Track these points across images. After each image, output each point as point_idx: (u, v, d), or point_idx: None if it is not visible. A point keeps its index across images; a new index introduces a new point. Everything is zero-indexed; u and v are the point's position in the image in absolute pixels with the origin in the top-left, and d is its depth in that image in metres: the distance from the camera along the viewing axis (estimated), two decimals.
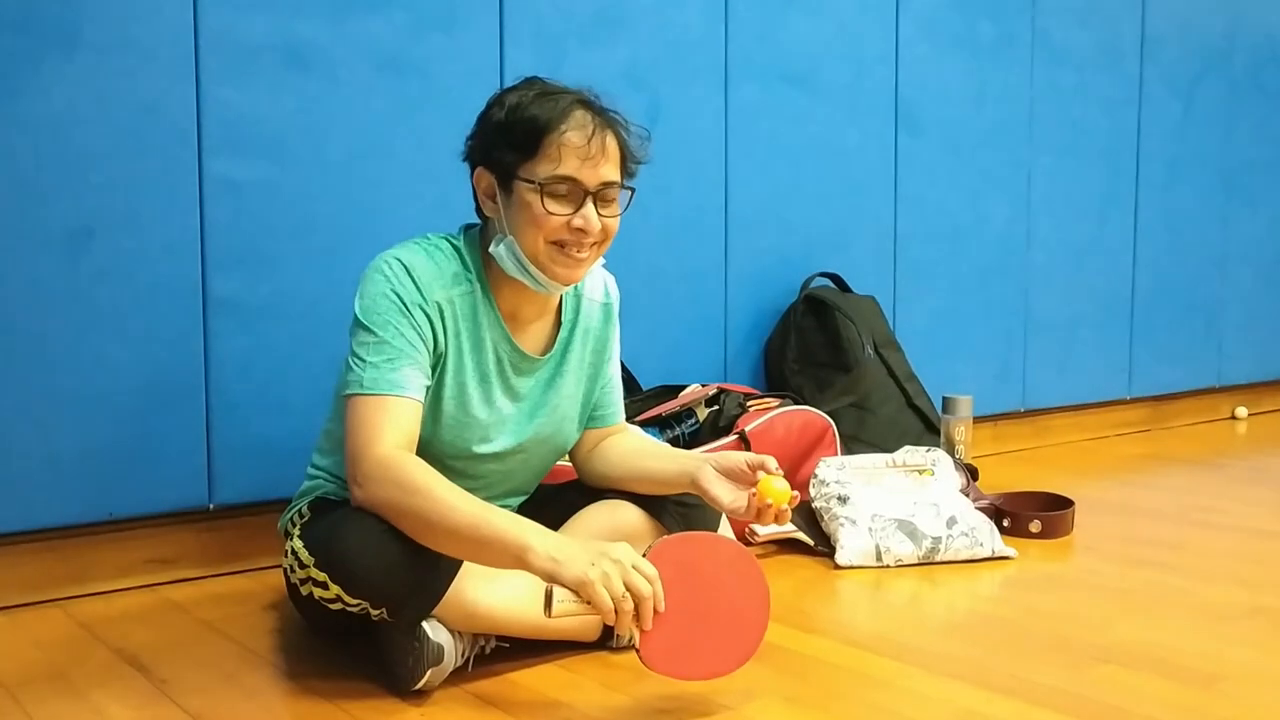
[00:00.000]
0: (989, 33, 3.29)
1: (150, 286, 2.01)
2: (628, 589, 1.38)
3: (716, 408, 2.47)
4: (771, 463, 1.65)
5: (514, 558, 1.42)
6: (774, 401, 2.49)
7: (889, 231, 3.13)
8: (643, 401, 2.51)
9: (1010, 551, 2.24)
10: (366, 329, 1.58)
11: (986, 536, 2.23)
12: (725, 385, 2.59)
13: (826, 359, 2.83)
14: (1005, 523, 2.40)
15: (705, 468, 1.69)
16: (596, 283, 1.85)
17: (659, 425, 2.44)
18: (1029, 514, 2.40)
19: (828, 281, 2.97)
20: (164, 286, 2.02)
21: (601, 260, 1.75)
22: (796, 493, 1.65)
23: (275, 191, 2.12)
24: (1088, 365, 3.66)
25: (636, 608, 1.39)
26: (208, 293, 2.06)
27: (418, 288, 1.61)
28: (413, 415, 1.57)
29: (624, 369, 2.56)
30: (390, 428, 1.53)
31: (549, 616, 1.40)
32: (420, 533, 1.49)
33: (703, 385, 2.59)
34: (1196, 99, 3.91)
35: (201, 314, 2.06)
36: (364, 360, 1.57)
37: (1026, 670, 1.63)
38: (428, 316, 1.61)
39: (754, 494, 1.65)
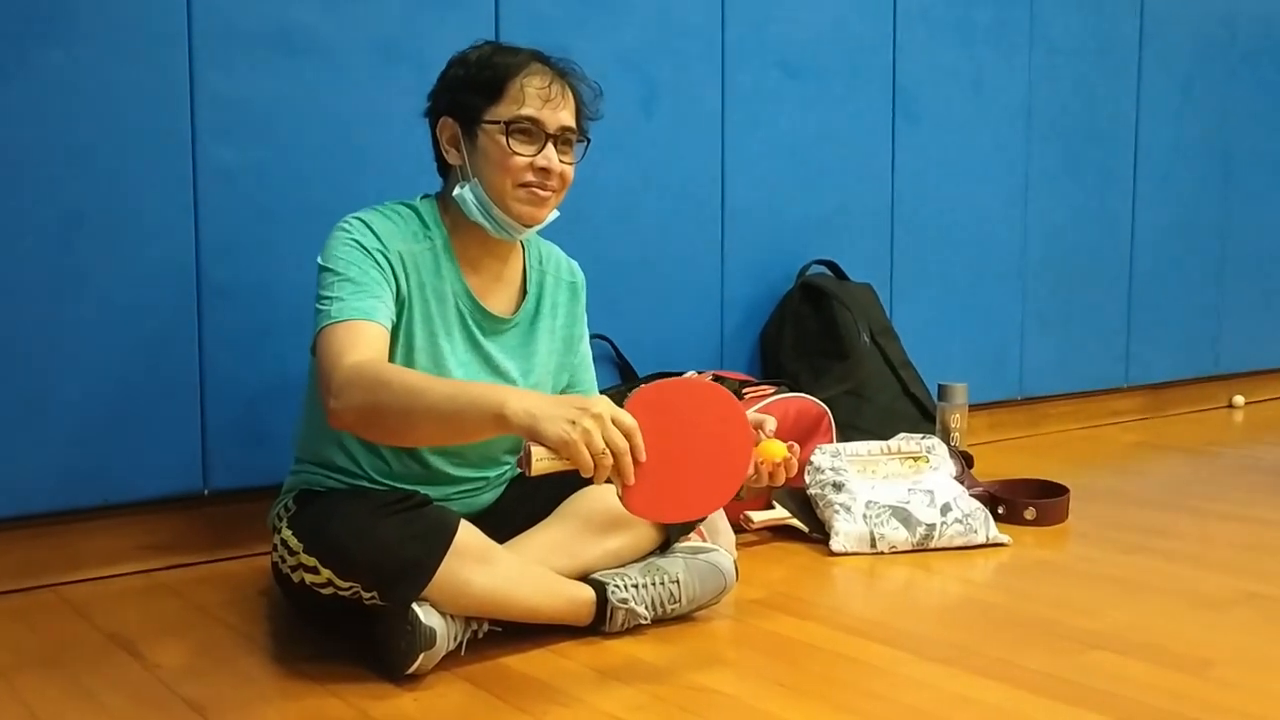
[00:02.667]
0: (986, 19, 3.28)
1: (144, 271, 2.01)
2: (607, 445, 1.38)
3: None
4: (770, 424, 1.65)
5: (493, 419, 1.42)
6: (770, 389, 2.49)
7: (886, 219, 3.13)
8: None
9: (1004, 538, 2.24)
10: (330, 271, 1.63)
11: (981, 523, 2.23)
12: (721, 372, 2.59)
13: (822, 346, 2.83)
14: (1000, 510, 2.40)
15: None
16: (561, 263, 1.91)
17: None
18: (1024, 501, 2.40)
19: (824, 269, 2.97)
20: (158, 271, 2.02)
21: (567, 258, 1.81)
22: (794, 443, 1.64)
23: (269, 176, 2.12)
24: (1085, 353, 3.66)
25: (616, 461, 1.39)
26: (202, 278, 2.06)
27: (377, 237, 1.67)
28: (381, 337, 1.60)
29: (619, 355, 2.58)
30: (360, 345, 1.56)
31: (529, 475, 1.40)
32: (401, 425, 1.51)
33: (699, 372, 2.59)
34: (1194, 87, 3.90)
35: (196, 299, 2.06)
36: (330, 297, 1.61)
37: (1018, 656, 1.63)
38: (388, 261, 1.67)
39: (761, 461, 1.64)
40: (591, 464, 1.38)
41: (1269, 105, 4.17)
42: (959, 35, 3.22)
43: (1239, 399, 4.22)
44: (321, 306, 1.61)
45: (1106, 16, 3.60)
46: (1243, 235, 4.13)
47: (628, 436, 1.40)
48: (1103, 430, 3.68)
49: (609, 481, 1.43)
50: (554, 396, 1.47)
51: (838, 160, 3.00)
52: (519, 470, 1.90)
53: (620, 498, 1.44)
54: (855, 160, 3.04)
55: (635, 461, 1.41)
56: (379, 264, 1.65)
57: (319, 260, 1.66)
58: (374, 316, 1.60)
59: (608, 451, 1.38)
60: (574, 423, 1.37)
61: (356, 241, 1.65)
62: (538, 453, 1.39)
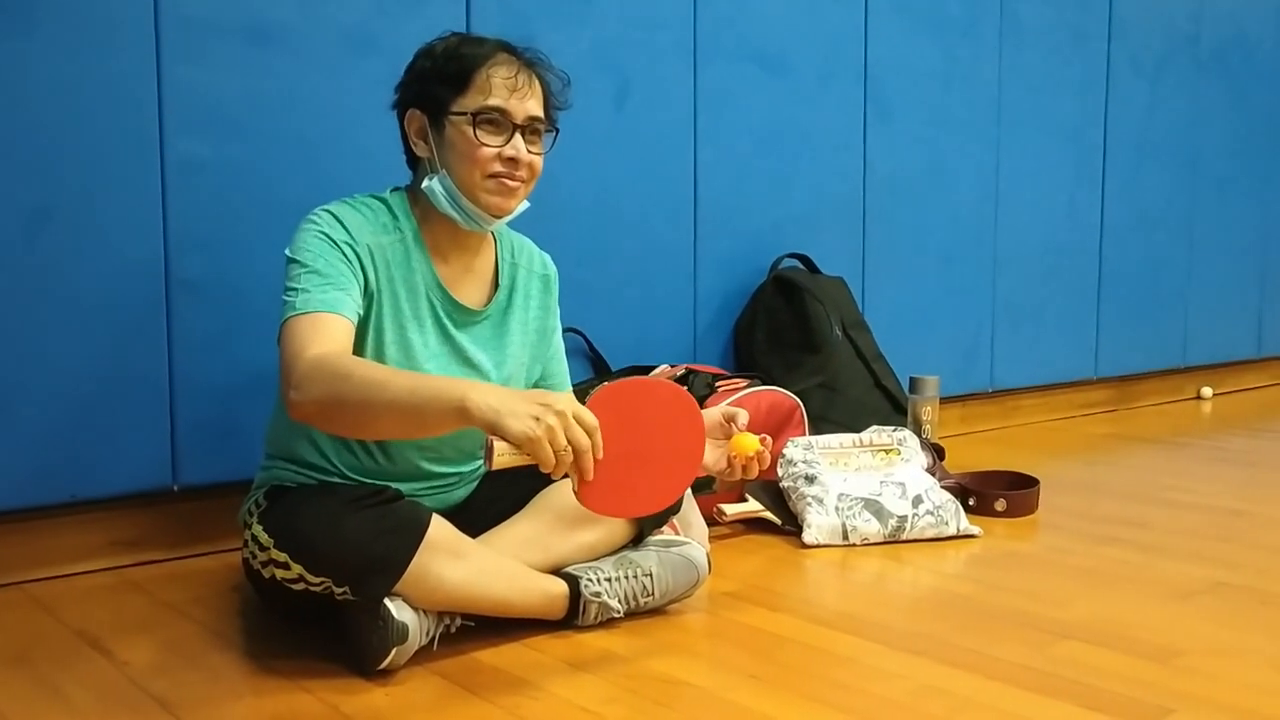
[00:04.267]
0: (957, 13, 3.29)
1: (111, 267, 1.99)
2: (569, 441, 1.38)
3: (685, 388, 2.47)
4: (742, 417, 1.65)
5: (454, 413, 1.41)
6: (742, 382, 2.50)
7: (858, 212, 3.13)
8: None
9: (975, 530, 2.26)
10: (297, 263, 1.62)
11: (952, 515, 2.24)
12: (694, 366, 2.59)
13: (795, 340, 2.83)
14: (971, 501, 2.41)
15: None
16: (534, 256, 1.91)
17: None
18: (994, 493, 2.42)
19: (796, 263, 2.98)
20: (125, 267, 2.00)
21: (539, 251, 1.85)
22: (767, 435, 1.65)
23: (239, 171, 2.10)
24: (1055, 346, 3.68)
25: (576, 458, 1.39)
26: (170, 273, 2.04)
27: (346, 230, 1.66)
28: (346, 330, 1.59)
29: (592, 349, 2.57)
30: (324, 337, 1.54)
31: (490, 469, 1.39)
32: (361, 418, 1.49)
33: (671, 366, 2.59)
34: (1163, 81, 3.93)
35: (164, 295, 2.04)
36: (296, 289, 1.59)
37: (989, 646, 1.64)
38: (356, 254, 1.65)
39: (734, 455, 1.64)
40: (553, 461, 1.38)
41: (1235, 100, 4.21)
42: (931, 30, 3.24)
43: (1207, 390, 4.26)
44: (287, 298, 1.60)
45: (1076, 11, 3.62)
46: (1210, 228, 4.17)
47: (589, 434, 1.40)
48: (1072, 422, 3.71)
49: (565, 477, 1.43)
50: (517, 391, 1.47)
51: (810, 154, 3.01)
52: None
53: (575, 493, 1.44)
54: (827, 154, 3.05)
55: (594, 458, 1.41)
56: (346, 257, 1.64)
57: (286, 252, 1.65)
58: (339, 309, 1.59)
59: (569, 448, 1.38)
60: (538, 419, 1.37)
61: (324, 234, 1.64)
62: (499, 447, 1.39)
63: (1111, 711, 1.41)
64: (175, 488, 2.09)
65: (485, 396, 1.40)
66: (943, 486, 2.35)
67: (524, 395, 1.42)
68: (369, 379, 1.48)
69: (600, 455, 1.41)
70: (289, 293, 1.60)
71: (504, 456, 1.39)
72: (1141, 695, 1.46)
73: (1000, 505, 2.40)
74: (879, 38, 3.12)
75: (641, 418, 1.48)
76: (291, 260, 1.63)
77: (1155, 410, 3.99)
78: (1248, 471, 2.96)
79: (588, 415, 1.41)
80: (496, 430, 1.38)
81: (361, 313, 1.65)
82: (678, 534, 1.88)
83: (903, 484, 2.27)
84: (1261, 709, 1.43)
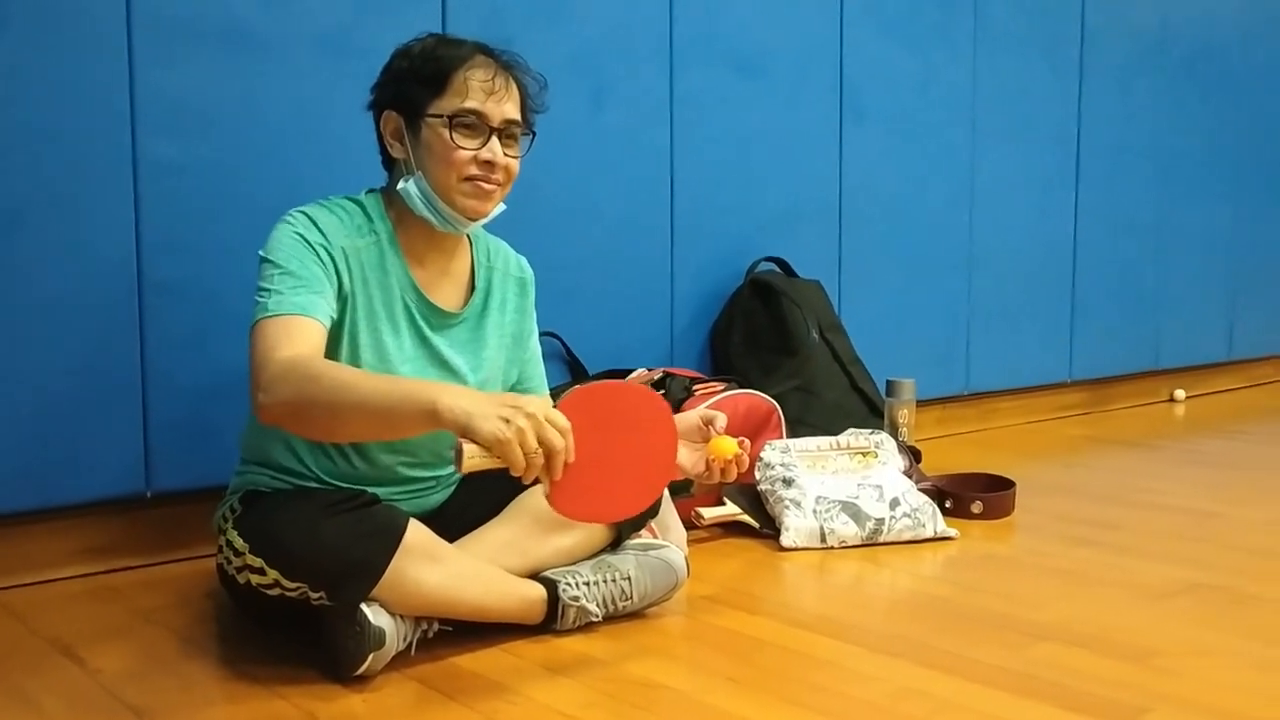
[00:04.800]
0: (932, 19, 3.31)
1: (84, 269, 1.97)
2: (540, 443, 1.37)
3: (662, 391, 2.47)
4: (720, 420, 1.66)
5: (424, 415, 1.40)
6: (719, 385, 2.50)
7: (834, 216, 3.14)
8: None
9: (952, 532, 2.26)
10: (271, 263, 1.61)
11: (929, 518, 2.25)
12: (671, 369, 2.59)
13: (772, 343, 2.84)
14: (947, 504, 2.42)
15: None
16: (510, 259, 1.90)
17: None
18: (971, 495, 2.42)
19: (773, 266, 2.98)
20: (99, 269, 1.98)
21: (516, 254, 1.86)
22: (745, 438, 1.66)
23: (212, 172, 2.08)
24: (1030, 349, 3.70)
25: (547, 460, 1.38)
26: (143, 276, 2.03)
27: (321, 232, 1.65)
28: (318, 333, 1.58)
29: (569, 353, 2.57)
30: (294, 340, 1.53)
31: (459, 472, 1.39)
32: (330, 421, 1.49)
33: (649, 369, 2.59)
34: (1134, 88, 3.97)
35: (137, 297, 2.02)
36: (268, 290, 1.58)
37: (966, 648, 1.65)
38: (331, 256, 1.64)
39: (712, 458, 1.64)
40: (524, 463, 1.37)
41: (1205, 108, 4.25)
42: (905, 35, 3.25)
43: (1180, 393, 4.30)
44: (259, 299, 1.58)
45: (1049, 18, 3.65)
46: (1181, 233, 4.21)
47: (561, 436, 1.39)
48: (1048, 424, 3.73)
49: (536, 482, 1.42)
50: (487, 394, 1.47)
51: (786, 158, 3.02)
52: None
53: (546, 496, 1.43)
54: (803, 158, 3.06)
55: (565, 461, 1.40)
56: (320, 259, 1.63)
57: (260, 253, 1.64)
58: (311, 312, 1.57)
59: (540, 451, 1.37)
60: (508, 421, 1.36)
61: (299, 235, 1.63)
62: (469, 450, 1.38)
63: (1089, 712, 1.42)
64: (149, 493, 2.07)
65: (456, 399, 1.40)
66: (920, 489, 2.36)
67: (494, 397, 1.41)
68: (339, 381, 1.47)
69: (572, 458, 1.41)
70: (261, 294, 1.59)
71: (474, 459, 1.38)
72: (1119, 696, 1.47)
73: (977, 507, 2.41)
74: (854, 43, 3.13)
75: (613, 421, 1.47)
76: (265, 261, 1.62)
77: (1129, 413, 4.01)
78: (1221, 473, 2.98)
79: (559, 417, 1.40)
80: (467, 432, 1.37)
81: (335, 316, 1.64)
82: (656, 537, 1.87)
83: (880, 486, 2.27)
84: (1238, 708, 1.44)
